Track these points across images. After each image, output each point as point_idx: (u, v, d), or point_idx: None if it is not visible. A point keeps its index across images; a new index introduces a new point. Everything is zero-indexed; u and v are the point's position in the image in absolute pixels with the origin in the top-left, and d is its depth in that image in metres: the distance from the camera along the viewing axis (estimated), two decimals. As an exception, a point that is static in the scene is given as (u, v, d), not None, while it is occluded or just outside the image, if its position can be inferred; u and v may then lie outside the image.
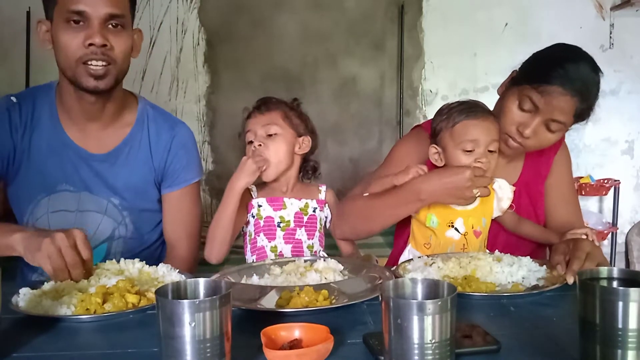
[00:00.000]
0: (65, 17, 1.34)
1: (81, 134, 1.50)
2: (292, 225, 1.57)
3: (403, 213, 1.48)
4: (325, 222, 1.66)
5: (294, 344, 0.87)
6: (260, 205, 1.57)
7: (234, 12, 3.85)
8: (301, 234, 1.58)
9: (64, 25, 1.35)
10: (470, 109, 1.44)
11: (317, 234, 1.61)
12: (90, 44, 1.34)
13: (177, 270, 1.27)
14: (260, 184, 1.60)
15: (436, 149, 1.47)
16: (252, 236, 1.58)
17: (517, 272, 1.23)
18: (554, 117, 1.42)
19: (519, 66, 1.52)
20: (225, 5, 3.85)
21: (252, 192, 1.58)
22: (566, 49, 1.48)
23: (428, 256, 1.37)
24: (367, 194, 1.52)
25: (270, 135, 1.55)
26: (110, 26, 1.37)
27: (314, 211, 1.61)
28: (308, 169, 1.66)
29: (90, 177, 1.50)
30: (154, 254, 1.62)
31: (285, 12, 3.86)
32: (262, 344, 0.84)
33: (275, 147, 1.54)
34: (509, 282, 1.21)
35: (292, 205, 1.58)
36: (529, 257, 1.29)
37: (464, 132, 1.41)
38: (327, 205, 1.65)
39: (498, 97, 1.57)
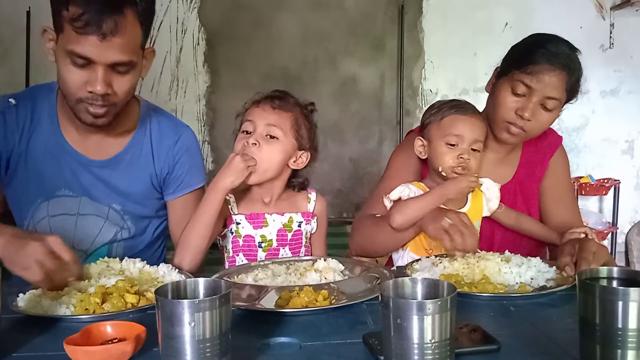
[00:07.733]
0: (68, 55, 1.24)
1: (81, 140, 1.45)
2: (274, 244, 1.44)
3: (405, 239, 1.48)
4: (310, 235, 1.51)
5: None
6: (239, 223, 1.44)
7: (234, 12, 3.84)
8: (285, 252, 1.45)
9: (66, 59, 1.25)
10: (461, 105, 1.49)
11: (302, 249, 1.48)
12: (91, 91, 1.26)
13: (177, 270, 1.27)
14: (241, 191, 1.47)
15: (422, 141, 1.51)
16: (231, 254, 1.45)
17: (525, 273, 1.21)
18: (548, 95, 1.45)
19: (500, 63, 1.57)
20: (225, 5, 3.84)
21: (230, 206, 1.44)
22: (541, 34, 1.54)
23: (436, 256, 1.36)
24: (377, 215, 1.52)
25: (270, 137, 1.39)
26: (115, 71, 1.28)
27: (299, 226, 1.47)
28: (295, 184, 1.50)
29: (91, 183, 1.47)
30: (155, 254, 1.61)
31: (285, 12, 3.85)
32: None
33: (270, 153, 1.39)
34: (516, 283, 1.20)
35: (275, 222, 1.44)
36: (538, 257, 1.29)
37: (450, 125, 1.45)
38: (315, 218, 1.50)
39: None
